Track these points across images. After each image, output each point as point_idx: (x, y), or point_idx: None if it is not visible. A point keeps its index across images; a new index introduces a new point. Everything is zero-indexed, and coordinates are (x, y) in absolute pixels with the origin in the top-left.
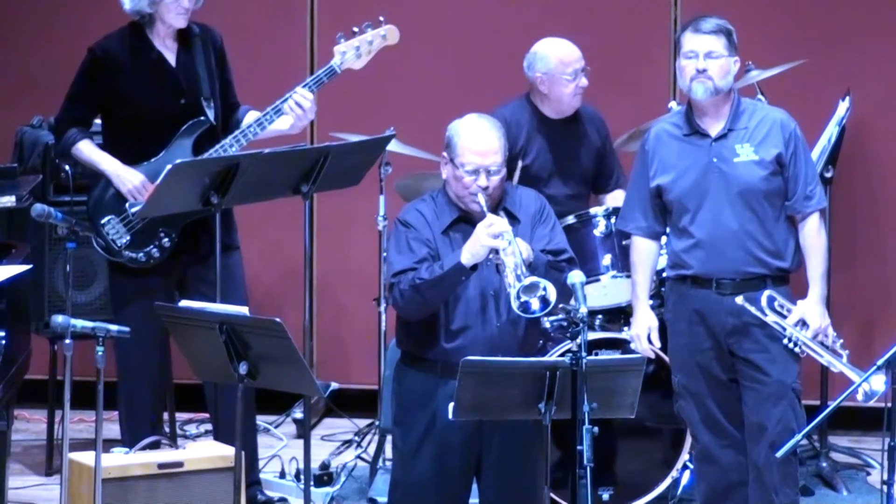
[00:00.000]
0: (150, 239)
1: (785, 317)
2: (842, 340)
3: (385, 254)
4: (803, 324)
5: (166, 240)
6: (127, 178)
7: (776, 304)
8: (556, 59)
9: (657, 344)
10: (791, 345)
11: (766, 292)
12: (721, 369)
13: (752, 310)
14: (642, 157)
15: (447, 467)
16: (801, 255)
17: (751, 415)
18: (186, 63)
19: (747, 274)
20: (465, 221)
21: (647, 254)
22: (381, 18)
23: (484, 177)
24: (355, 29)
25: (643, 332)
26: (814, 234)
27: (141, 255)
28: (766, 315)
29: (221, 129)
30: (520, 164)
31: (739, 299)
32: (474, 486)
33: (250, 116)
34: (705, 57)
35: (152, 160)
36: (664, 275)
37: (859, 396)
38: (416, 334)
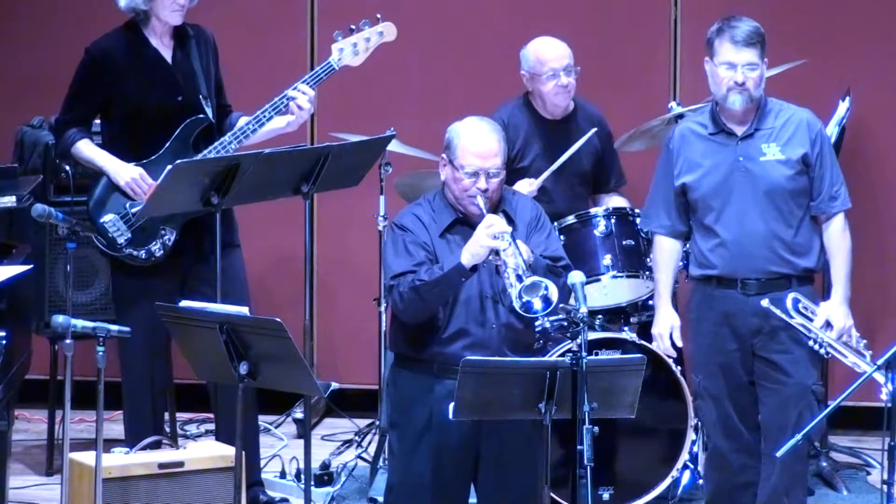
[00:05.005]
0: (151, 236)
1: (810, 319)
2: (865, 341)
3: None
4: (827, 325)
5: (167, 237)
6: (124, 172)
7: (801, 305)
8: (534, 57)
9: (679, 343)
10: (816, 346)
11: (791, 294)
12: (743, 371)
13: (778, 312)
14: (667, 156)
15: (444, 467)
16: (825, 255)
17: (769, 416)
18: (183, 61)
19: (772, 274)
20: (464, 224)
21: (669, 253)
22: (379, 16)
23: (483, 179)
24: (353, 27)
25: (665, 331)
26: (838, 235)
27: (142, 252)
28: (791, 317)
29: (216, 129)
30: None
31: (765, 302)
32: (472, 489)
33: (243, 121)
34: (744, 69)
35: (151, 158)
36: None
37: (883, 396)
38: (411, 335)
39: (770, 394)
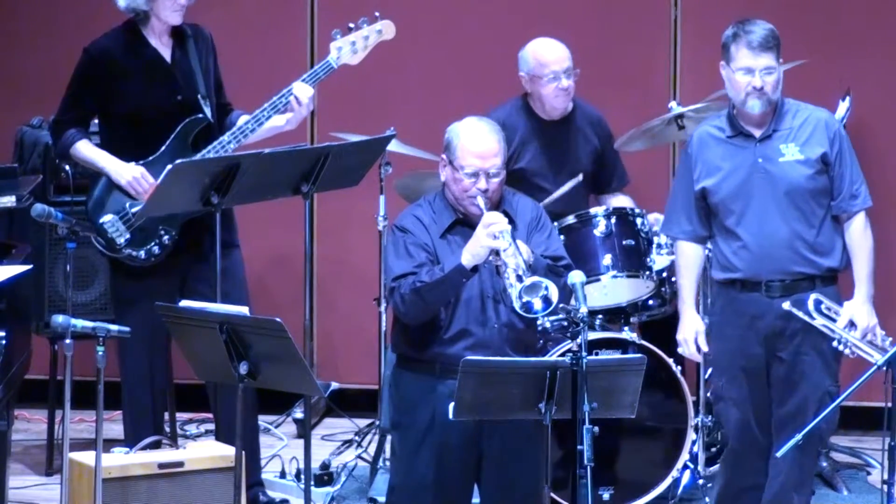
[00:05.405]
0: (150, 237)
1: (833, 319)
2: (891, 338)
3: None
4: (851, 324)
5: (166, 237)
6: (125, 171)
7: (823, 306)
8: (534, 60)
9: (705, 348)
10: (840, 346)
11: (813, 295)
12: (766, 372)
13: (800, 314)
14: (685, 161)
15: (447, 468)
16: (848, 253)
17: (785, 417)
18: (182, 60)
19: (796, 274)
20: (464, 224)
21: (692, 258)
22: (377, 14)
23: (483, 180)
24: (351, 25)
25: (690, 336)
26: (860, 234)
27: (141, 252)
28: (813, 319)
29: (217, 128)
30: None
31: (786, 304)
32: (475, 490)
33: (243, 120)
34: (762, 74)
35: (150, 158)
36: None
37: None
38: (413, 336)
39: (787, 395)
